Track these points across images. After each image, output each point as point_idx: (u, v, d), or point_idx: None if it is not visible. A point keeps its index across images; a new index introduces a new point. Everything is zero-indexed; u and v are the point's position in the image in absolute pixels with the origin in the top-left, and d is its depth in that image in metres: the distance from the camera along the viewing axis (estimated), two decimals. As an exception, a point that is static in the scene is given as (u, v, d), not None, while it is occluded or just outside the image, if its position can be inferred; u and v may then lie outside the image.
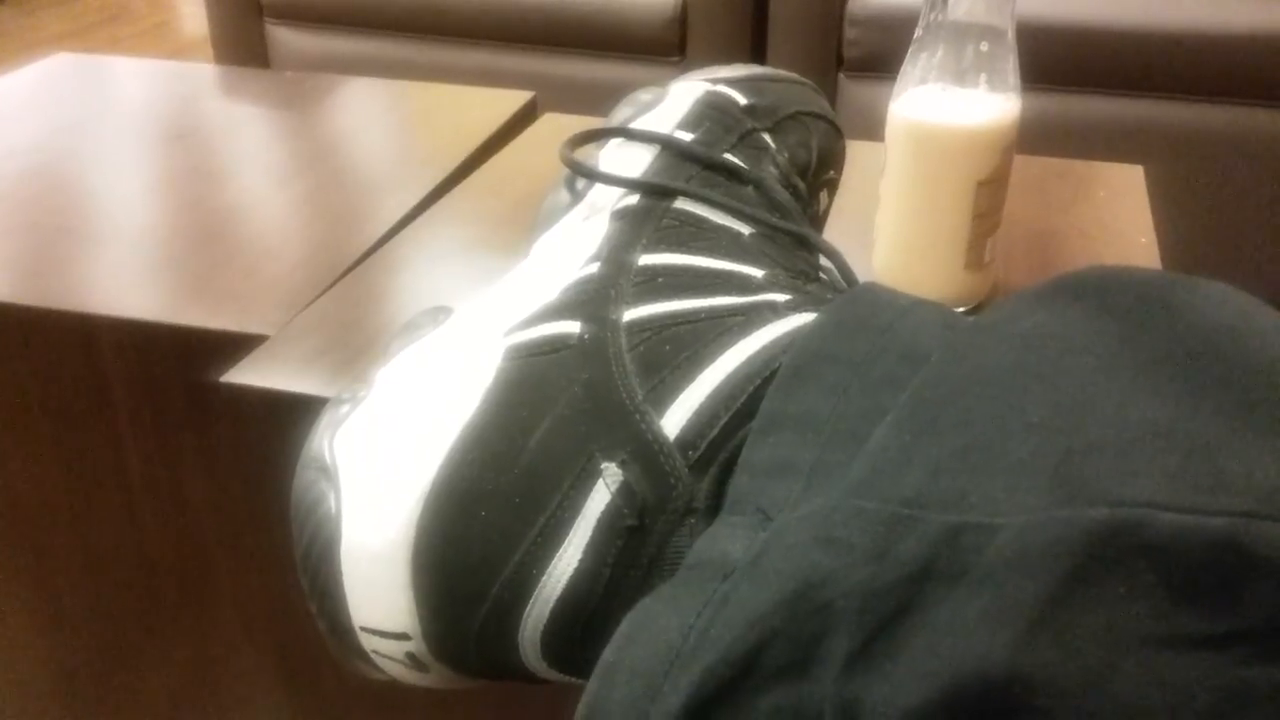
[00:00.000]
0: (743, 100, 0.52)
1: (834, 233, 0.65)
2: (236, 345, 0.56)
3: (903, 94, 0.56)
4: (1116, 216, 0.69)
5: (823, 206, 0.57)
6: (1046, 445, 0.27)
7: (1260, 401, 0.26)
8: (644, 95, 0.53)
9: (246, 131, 0.84)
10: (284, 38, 1.84)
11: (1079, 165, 0.77)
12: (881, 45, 1.54)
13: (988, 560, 0.26)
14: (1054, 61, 1.45)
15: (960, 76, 0.54)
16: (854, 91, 1.60)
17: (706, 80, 0.54)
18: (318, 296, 0.61)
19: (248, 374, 0.54)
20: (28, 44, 3.02)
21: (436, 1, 1.73)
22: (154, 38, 3.14)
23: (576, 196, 0.49)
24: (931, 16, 0.54)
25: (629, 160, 0.49)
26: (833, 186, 0.58)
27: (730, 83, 0.54)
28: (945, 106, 0.54)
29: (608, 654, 0.31)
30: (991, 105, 0.54)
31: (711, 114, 0.51)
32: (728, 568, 0.31)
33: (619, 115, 0.53)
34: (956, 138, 0.55)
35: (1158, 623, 0.24)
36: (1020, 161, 0.75)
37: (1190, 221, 1.51)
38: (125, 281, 0.62)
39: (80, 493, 0.66)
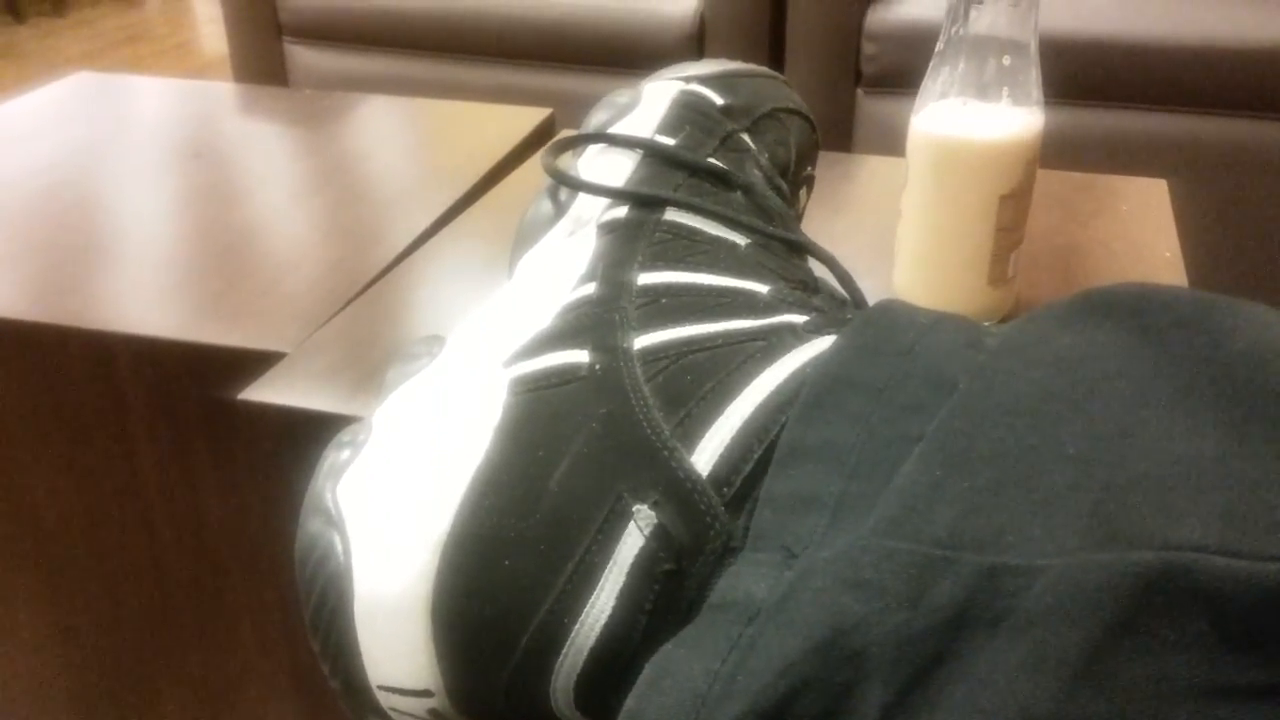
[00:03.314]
0: (719, 100, 0.50)
1: (853, 248, 0.65)
2: (253, 363, 0.56)
3: (924, 108, 0.55)
4: (1141, 231, 0.69)
5: (802, 204, 0.56)
6: (1085, 480, 0.26)
7: None
8: (619, 98, 0.51)
9: (265, 149, 0.84)
10: (302, 57, 1.85)
11: (1102, 179, 0.76)
12: (899, 61, 1.54)
13: (1027, 606, 0.24)
14: (1076, 75, 1.44)
15: (982, 90, 0.54)
16: (872, 107, 1.60)
17: (678, 79, 0.52)
18: (335, 314, 0.60)
19: (265, 391, 0.53)
20: (49, 64, 3.04)
21: (453, 20, 1.73)
22: (174, 57, 3.16)
23: (560, 208, 0.47)
24: (953, 30, 0.53)
25: (611, 168, 0.46)
26: (810, 183, 0.56)
27: (703, 81, 0.51)
28: (967, 120, 0.54)
29: (630, 703, 0.30)
30: (1014, 119, 0.54)
31: (691, 116, 0.49)
32: (752, 609, 0.29)
33: (595, 119, 0.50)
34: (979, 152, 0.54)
35: (1210, 672, 0.23)
36: (1043, 176, 0.74)
37: (1215, 236, 1.49)
38: (143, 299, 0.62)
39: (97, 510, 0.65)
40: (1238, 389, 0.27)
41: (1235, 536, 0.24)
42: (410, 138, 0.86)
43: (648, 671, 0.30)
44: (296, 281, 0.64)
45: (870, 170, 0.80)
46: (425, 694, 0.36)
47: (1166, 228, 0.69)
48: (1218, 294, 0.30)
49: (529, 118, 0.89)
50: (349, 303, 0.62)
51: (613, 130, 0.48)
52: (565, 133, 0.50)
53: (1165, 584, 0.23)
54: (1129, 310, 0.30)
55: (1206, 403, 0.27)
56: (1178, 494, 0.25)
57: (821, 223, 0.70)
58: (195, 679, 0.69)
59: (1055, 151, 0.70)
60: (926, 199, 0.56)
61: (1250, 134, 1.45)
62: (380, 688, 0.36)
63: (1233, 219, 1.49)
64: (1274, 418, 0.26)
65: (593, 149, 0.48)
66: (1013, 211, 0.55)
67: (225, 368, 0.57)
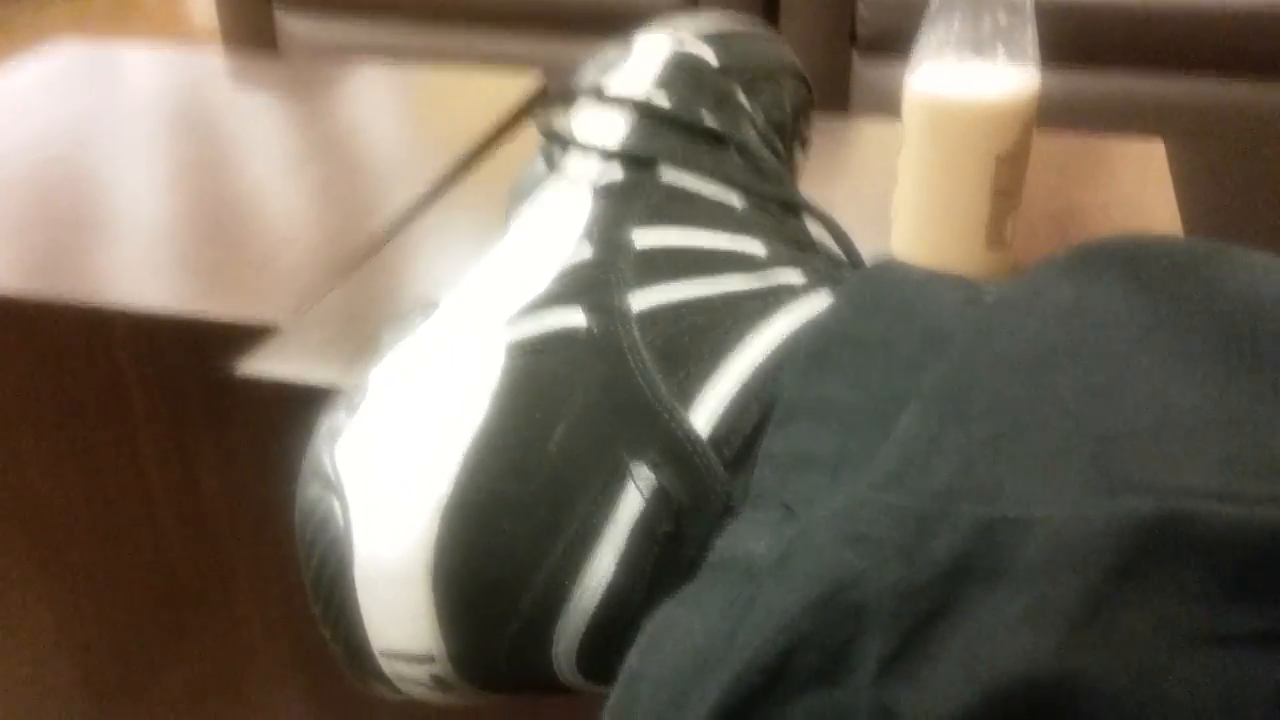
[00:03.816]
0: (714, 59, 0.50)
1: (850, 213, 0.64)
2: (250, 336, 0.56)
3: (919, 68, 0.55)
4: (1138, 192, 0.68)
5: (797, 164, 0.55)
6: (1082, 430, 0.26)
7: None
8: (610, 54, 0.50)
9: (256, 119, 0.83)
10: (293, 25, 1.83)
11: (1099, 142, 0.75)
12: (895, 23, 1.52)
13: (1027, 557, 0.24)
14: (1072, 38, 1.43)
15: (978, 49, 0.53)
16: (867, 70, 1.59)
17: (670, 34, 0.51)
18: (332, 285, 0.60)
19: (262, 364, 0.53)
20: (40, 36, 3.02)
21: (445, -14, 1.72)
22: (163, 27, 3.14)
23: (554, 167, 0.47)
24: (948, -11, 0.53)
25: (606, 126, 0.46)
26: (806, 144, 0.56)
27: (697, 39, 0.51)
28: (963, 80, 0.54)
29: (630, 660, 0.30)
30: (1010, 78, 0.53)
31: (685, 75, 0.48)
32: (753, 567, 0.29)
33: (587, 76, 0.50)
34: (975, 112, 0.54)
35: (1211, 620, 0.23)
36: (1039, 138, 0.74)
37: (1212, 197, 1.49)
38: (137, 273, 0.62)
39: (95, 487, 0.65)
40: (1235, 335, 0.26)
41: (1233, 481, 0.24)
42: (403, 105, 0.85)
43: (648, 630, 0.30)
44: (292, 254, 0.64)
45: (867, 134, 0.80)
46: (427, 659, 0.36)
47: (1164, 189, 0.69)
48: (1215, 242, 0.30)
49: (522, 83, 0.88)
50: (345, 274, 0.61)
51: (606, 88, 0.48)
52: (560, 91, 0.49)
53: (1164, 532, 0.23)
54: (1126, 261, 0.30)
55: (1204, 350, 0.26)
56: (1176, 442, 0.25)
57: (819, 187, 0.69)
58: (198, 657, 0.69)
59: (1052, 115, 0.70)
60: (922, 161, 0.56)
61: (1248, 96, 1.45)
62: (382, 653, 0.36)
63: (1230, 180, 1.48)
64: (1272, 362, 0.26)
65: (587, 107, 0.48)
66: (1009, 173, 0.55)
67: (222, 341, 0.57)
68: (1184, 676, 0.23)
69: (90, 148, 0.79)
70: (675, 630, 0.30)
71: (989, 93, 0.53)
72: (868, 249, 0.49)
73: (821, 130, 0.79)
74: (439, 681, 0.37)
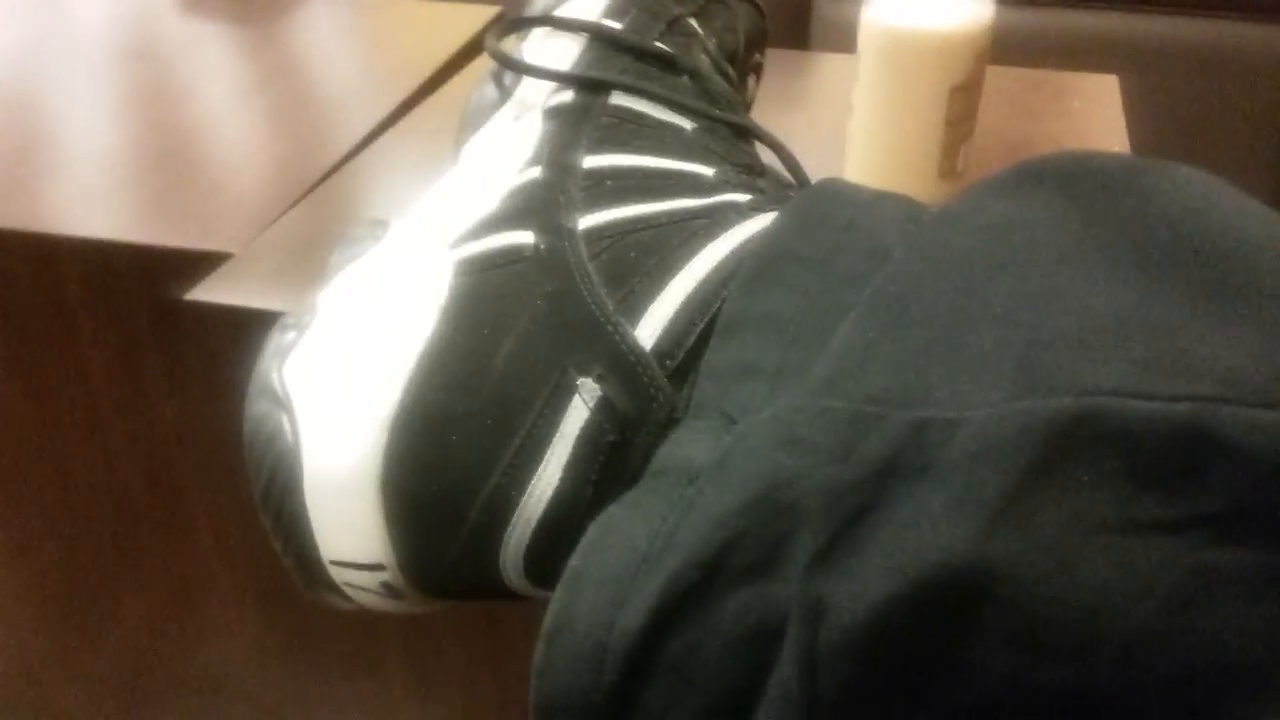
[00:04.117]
0: None
1: (805, 144, 0.64)
2: (200, 263, 0.56)
3: (874, -1, 0.55)
4: (1091, 126, 0.69)
5: (751, 92, 0.55)
6: (1010, 336, 0.26)
7: (1225, 284, 0.26)
8: None
9: (206, 48, 0.82)
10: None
11: (1053, 76, 0.76)
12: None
13: (951, 454, 0.25)
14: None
15: (933, -20, 0.53)
16: (826, 5, 1.58)
17: None
18: (282, 213, 0.60)
19: (212, 291, 0.53)
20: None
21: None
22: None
23: (505, 93, 0.47)
24: (904, -83, 0.53)
25: (557, 52, 0.46)
26: (759, 71, 0.56)
27: None
28: (918, 10, 0.54)
29: (574, 562, 0.31)
30: (965, 9, 0.54)
31: (636, 1, 0.48)
32: (692, 472, 0.30)
33: (539, 3, 0.50)
34: (929, 42, 0.54)
35: (1121, 509, 0.24)
36: (993, 72, 0.74)
37: (1164, 133, 1.50)
38: (86, 201, 0.61)
39: (46, 414, 0.65)
40: (1159, 245, 0.27)
41: (1149, 380, 0.24)
42: (358, 36, 0.84)
43: (591, 532, 0.31)
44: (243, 181, 0.63)
45: (824, 67, 0.80)
46: (377, 567, 0.36)
47: (1116, 123, 0.69)
48: (1149, 158, 0.31)
49: (478, 15, 0.87)
50: (296, 202, 0.61)
51: (558, 14, 0.48)
52: (511, 17, 0.49)
53: (1080, 427, 0.24)
54: (1061, 177, 0.31)
55: (1130, 260, 0.27)
56: (1096, 344, 0.25)
57: (775, 119, 0.69)
58: (154, 582, 0.69)
59: (1007, 50, 0.70)
60: (877, 91, 0.56)
61: (1202, 32, 1.46)
62: (332, 562, 0.37)
63: (1181, 115, 1.50)
64: (1191, 270, 0.27)
65: (538, 33, 0.48)
66: (963, 104, 0.55)
67: (172, 269, 0.57)
68: (1097, 562, 0.24)
69: (39, 76, 0.78)
70: (617, 532, 0.30)
71: (944, 23, 0.53)
72: (820, 177, 0.49)
73: (779, 63, 0.78)
74: (389, 589, 0.37)
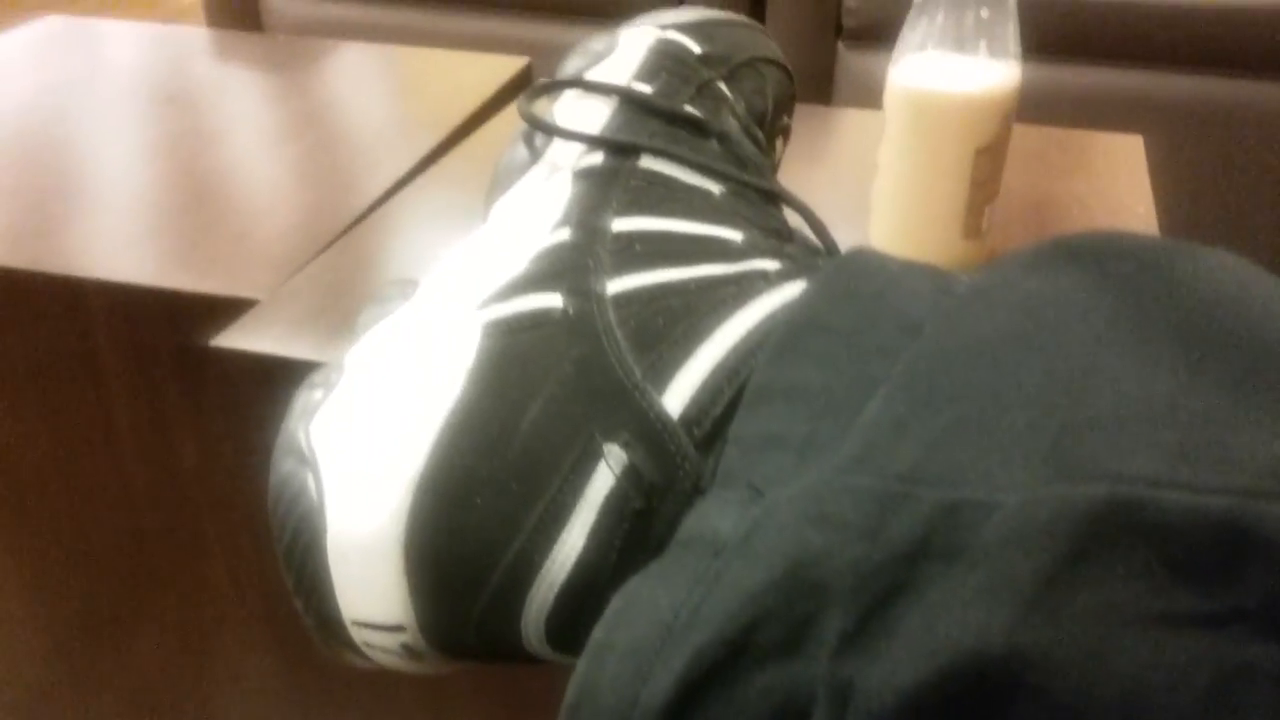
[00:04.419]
0: (696, 48, 0.50)
1: (830, 201, 0.65)
2: (227, 309, 0.56)
3: (902, 60, 0.55)
4: (1115, 186, 0.69)
5: (778, 155, 0.56)
6: (1043, 419, 0.26)
7: (1262, 375, 0.26)
8: (595, 45, 0.51)
9: (238, 95, 0.83)
10: (277, 2, 1.82)
11: (1078, 135, 0.76)
12: (881, 14, 1.53)
13: (984, 538, 0.25)
14: (1053, 31, 1.44)
15: (960, 43, 0.53)
16: (853, 60, 1.59)
17: (655, 26, 0.51)
18: (309, 261, 0.60)
19: (238, 338, 0.53)
20: (21, 10, 2.99)
21: (432, -33, 1.71)
22: (145, 4, 3.11)
23: (535, 154, 0.47)
24: (932, -19, 0.53)
25: (587, 114, 0.46)
26: (787, 133, 0.56)
27: (680, 28, 0.51)
28: (945, 73, 0.54)
29: (597, 633, 0.31)
30: (991, 72, 0.54)
31: (667, 64, 0.48)
32: (719, 544, 0.30)
33: (570, 66, 0.50)
34: (955, 105, 0.54)
35: (1157, 601, 0.23)
36: (1019, 131, 0.74)
37: (1188, 193, 1.50)
38: (115, 245, 0.62)
39: (70, 458, 0.65)
40: (1194, 332, 0.27)
41: (1183, 470, 0.24)
42: (386, 85, 0.85)
43: (615, 603, 0.31)
44: (270, 228, 0.64)
45: (849, 123, 0.80)
46: (398, 629, 0.36)
47: (1141, 184, 0.69)
48: (1181, 241, 0.31)
49: (506, 66, 0.88)
50: (323, 250, 0.61)
51: (589, 77, 0.48)
52: (542, 80, 0.50)
53: (1115, 516, 0.24)
54: (1094, 256, 0.30)
55: (1164, 345, 0.27)
56: (1130, 431, 0.25)
57: (799, 175, 0.70)
58: (171, 624, 0.69)
59: (1032, 107, 0.70)
60: (903, 151, 0.56)
61: (1226, 92, 1.46)
62: (354, 623, 0.37)
63: (1206, 176, 1.50)
64: (1227, 358, 0.26)
65: (569, 95, 0.48)
66: (988, 165, 0.56)
67: (199, 314, 0.57)
68: (1130, 654, 0.23)
69: (71, 120, 0.79)
70: (642, 603, 0.30)
71: (970, 86, 0.54)
72: (845, 236, 0.49)
73: (804, 118, 0.79)
74: (409, 650, 0.37)
